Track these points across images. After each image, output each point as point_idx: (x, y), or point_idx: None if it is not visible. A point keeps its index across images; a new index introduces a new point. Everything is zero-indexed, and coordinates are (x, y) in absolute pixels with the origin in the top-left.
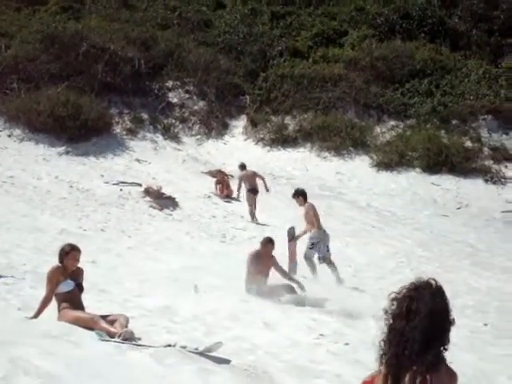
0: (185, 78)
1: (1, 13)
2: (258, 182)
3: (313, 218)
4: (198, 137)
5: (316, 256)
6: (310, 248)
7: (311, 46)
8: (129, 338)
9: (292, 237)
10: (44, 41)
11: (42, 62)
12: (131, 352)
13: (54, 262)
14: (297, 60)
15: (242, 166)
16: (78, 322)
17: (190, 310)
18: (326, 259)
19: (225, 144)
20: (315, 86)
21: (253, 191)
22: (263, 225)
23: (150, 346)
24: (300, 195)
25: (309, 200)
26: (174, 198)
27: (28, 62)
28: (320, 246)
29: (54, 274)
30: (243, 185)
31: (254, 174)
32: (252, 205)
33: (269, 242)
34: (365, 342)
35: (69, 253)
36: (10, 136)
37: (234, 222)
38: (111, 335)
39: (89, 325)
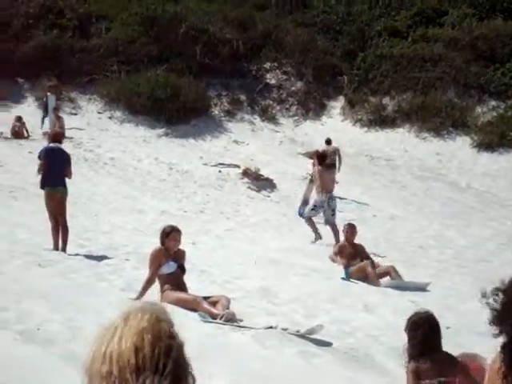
0: (282, 59)
1: None
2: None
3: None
4: (296, 118)
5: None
6: (312, 209)
7: (410, 25)
8: (231, 319)
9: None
10: (143, 23)
11: (141, 45)
12: (233, 334)
13: (156, 243)
14: (396, 40)
15: (327, 142)
16: (180, 304)
17: (289, 292)
18: (329, 222)
19: (322, 125)
20: (414, 66)
21: (330, 166)
22: (364, 204)
23: (251, 328)
24: (317, 156)
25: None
26: (271, 180)
27: (128, 45)
28: (323, 209)
29: (156, 255)
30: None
31: (335, 151)
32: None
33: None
34: (466, 325)
35: (169, 233)
36: (110, 118)
37: None
38: (213, 316)
39: (191, 306)
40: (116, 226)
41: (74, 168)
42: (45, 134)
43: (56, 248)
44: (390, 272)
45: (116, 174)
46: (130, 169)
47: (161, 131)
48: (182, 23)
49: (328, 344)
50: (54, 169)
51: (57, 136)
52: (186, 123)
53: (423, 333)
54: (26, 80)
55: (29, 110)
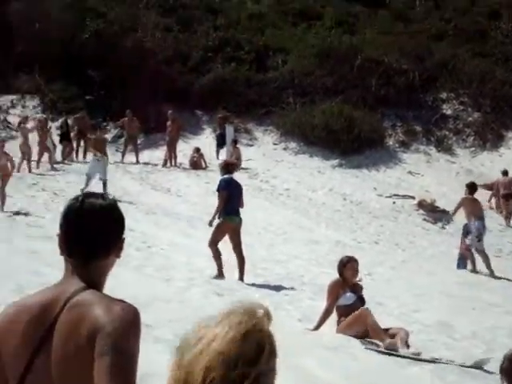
0: (459, 89)
1: (278, 28)
2: None
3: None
4: (472, 149)
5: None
6: (479, 240)
7: None
8: (392, 349)
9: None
10: (319, 55)
11: (316, 76)
12: (411, 366)
13: (331, 274)
14: None
15: (504, 173)
16: (358, 335)
17: (468, 327)
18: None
19: (500, 156)
20: None
21: (506, 196)
22: None
23: (430, 362)
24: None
25: None
26: (447, 212)
27: (303, 77)
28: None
29: (334, 286)
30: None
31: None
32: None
33: None
34: None
35: (347, 264)
36: (285, 149)
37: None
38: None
39: (370, 337)
40: (291, 255)
41: (250, 198)
42: None
43: (220, 274)
44: None
45: (291, 205)
46: (305, 199)
47: (335, 162)
48: (357, 55)
49: None
50: (231, 199)
51: (230, 166)
52: (360, 154)
53: None
54: (203, 112)
55: (207, 141)
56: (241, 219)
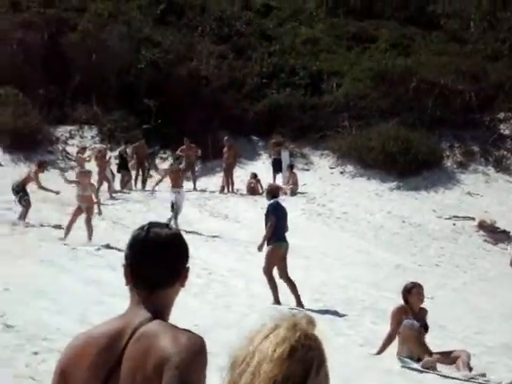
0: None
1: (332, 52)
2: None
3: None
4: None
5: None
6: None
7: None
8: (430, 366)
9: None
10: (374, 78)
11: (372, 99)
12: None
13: (392, 297)
14: None
15: None
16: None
17: None
18: None
19: None
20: None
21: None
22: None
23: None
24: None
25: None
26: (508, 232)
27: (359, 100)
28: None
29: (398, 313)
30: None
31: None
32: None
33: None
34: None
35: (411, 290)
36: (342, 173)
37: None
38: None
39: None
40: (351, 279)
41: (307, 223)
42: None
43: (277, 301)
44: None
45: (349, 228)
46: (363, 223)
47: (393, 184)
48: (413, 77)
49: None
50: (279, 224)
51: (276, 190)
52: (417, 176)
53: None
54: (259, 138)
55: (263, 166)
56: (288, 244)
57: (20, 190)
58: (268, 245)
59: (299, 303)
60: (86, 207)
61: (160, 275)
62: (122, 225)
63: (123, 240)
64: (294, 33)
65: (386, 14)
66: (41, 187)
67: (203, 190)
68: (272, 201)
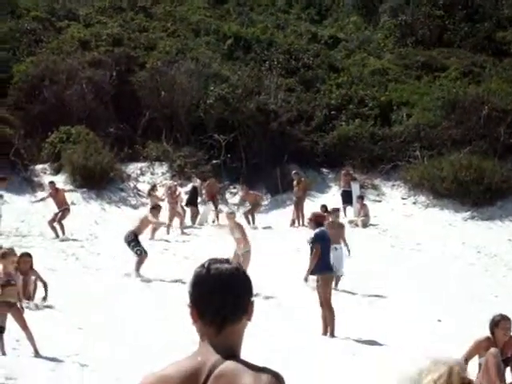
0: None
1: (401, 82)
2: None
3: None
4: None
5: None
6: None
7: None
8: None
9: None
10: (445, 107)
11: (443, 128)
12: None
13: (471, 330)
14: None
15: None
16: None
17: None
18: None
19: None
20: None
21: None
22: None
23: None
24: None
25: None
26: None
27: (429, 129)
28: None
29: (481, 343)
30: None
31: None
32: None
33: None
34: None
35: (499, 323)
36: (414, 203)
37: None
38: None
39: None
40: (423, 311)
41: (380, 254)
42: (350, 222)
43: (325, 333)
44: None
45: (423, 260)
46: (437, 254)
47: (466, 214)
48: (484, 105)
49: None
50: (325, 253)
51: (320, 219)
52: (492, 205)
53: None
54: (329, 169)
55: (333, 199)
56: (333, 273)
57: (132, 240)
58: (314, 274)
59: (332, 334)
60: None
61: (227, 311)
62: (193, 260)
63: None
64: (363, 63)
65: (455, 42)
66: (156, 223)
67: (266, 227)
68: (318, 230)
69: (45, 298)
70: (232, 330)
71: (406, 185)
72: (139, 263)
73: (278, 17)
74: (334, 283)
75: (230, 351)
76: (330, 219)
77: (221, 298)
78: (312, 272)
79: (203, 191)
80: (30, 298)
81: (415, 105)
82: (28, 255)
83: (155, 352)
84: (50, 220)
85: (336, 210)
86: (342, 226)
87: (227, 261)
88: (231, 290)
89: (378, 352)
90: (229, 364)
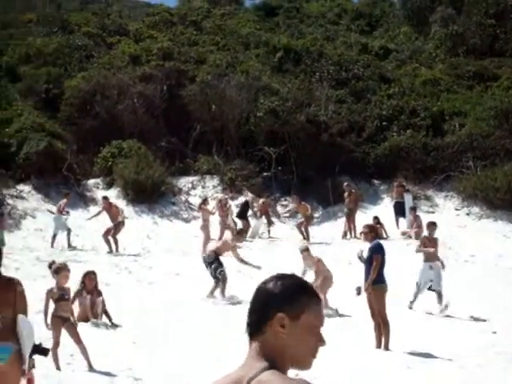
0: None
1: (453, 92)
2: None
3: None
4: None
5: None
6: None
7: None
8: None
9: None
10: (498, 116)
11: (496, 138)
12: None
13: None
14: None
15: None
16: None
17: None
18: None
19: None
20: None
21: None
22: None
23: None
24: None
25: None
26: None
27: (482, 139)
28: None
29: None
30: None
31: None
32: None
33: None
34: None
35: None
36: (468, 214)
37: None
38: None
39: None
40: (480, 323)
41: None
42: (404, 233)
43: (379, 346)
44: None
45: (477, 272)
46: (491, 265)
47: None
48: None
49: None
50: (383, 264)
51: (377, 230)
52: None
53: None
54: (381, 181)
55: (386, 210)
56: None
57: (213, 261)
58: (374, 284)
59: (386, 347)
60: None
61: (249, 323)
62: (244, 275)
63: (245, 288)
64: (414, 74)
65: (507, 51)
66: (240, 260)
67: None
68: (375, 241)
69: (110, 321)
70: (259, 342)
71: (460, 195)
72: (223, 286)
73: (328, 28)
74: (437, 300)
75: (268, 364)
76: (427, 233)
77: (250, 309)
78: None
79: (255, 205)
80: (97, 316)
81: (467, 115)
82: (93, 273)
83: (207, 366)
84: (104, 233)
85: (432, 224)
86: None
87: (291, 277)
88: (253, 303)
89: (433, 365)
90: (264, 375)
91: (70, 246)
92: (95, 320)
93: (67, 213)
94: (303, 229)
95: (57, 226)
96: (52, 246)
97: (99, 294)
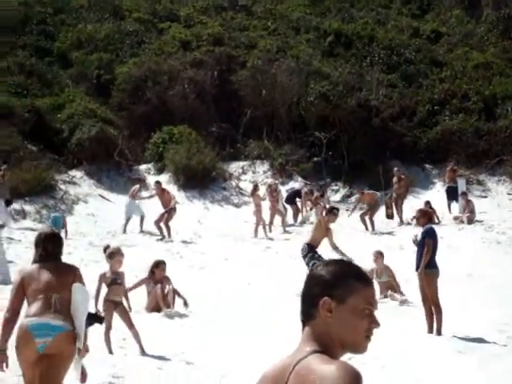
0: None
1: (506, 76)
2: None
3: None
4: None
5: None
6: None
7: None
8: None
9: None
10: None
11: None
12: None
13: None
14: None
15: None
16: None
17: None
18: None
19: None
20: None
21: None
22: None
23: None
24: None
25: None
26: None
27: None
28: None
29: None
30: None
31: None
32: None
33: None
34: None
35: None
36: None
37: None
38: None
39: None
40: None
41: (485, 252)
42: (456, 218)
43: (430, 331)
44: None
45: None
46: None
47: None
48: None
49: None
50: (435, 250)
51: (431, 215)
52: None
53: None
54: (433, 165)
55: (438, 195)
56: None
57: (309, 251)
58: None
59: (439, 332)
60: None
61: (302, 309)
62: (295, 260)
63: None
64: (466, 58)
65: None
66: (335, 248)
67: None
68: (428, 225)
69: (186, 304)
70: (310, 327)
71: None
72: None
73: (379, 12)
74: None
75: (315, 348)
76: None
77: (300, 298)
78: (417, 268)
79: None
80: (169, 305)
81: None
82: (163, 263)
83: (259, 351)
84: (156, 220)
85: None
86: None
87: (338, 262)
88: (303, 289)
89: (485, 350)
90: (308, 359)
91: (141, 230)
92: (168, 310)
93: (141, 198)
94: (367, 218)
95: (129, 210)
96: (124, 231)
97: (169, 282)
